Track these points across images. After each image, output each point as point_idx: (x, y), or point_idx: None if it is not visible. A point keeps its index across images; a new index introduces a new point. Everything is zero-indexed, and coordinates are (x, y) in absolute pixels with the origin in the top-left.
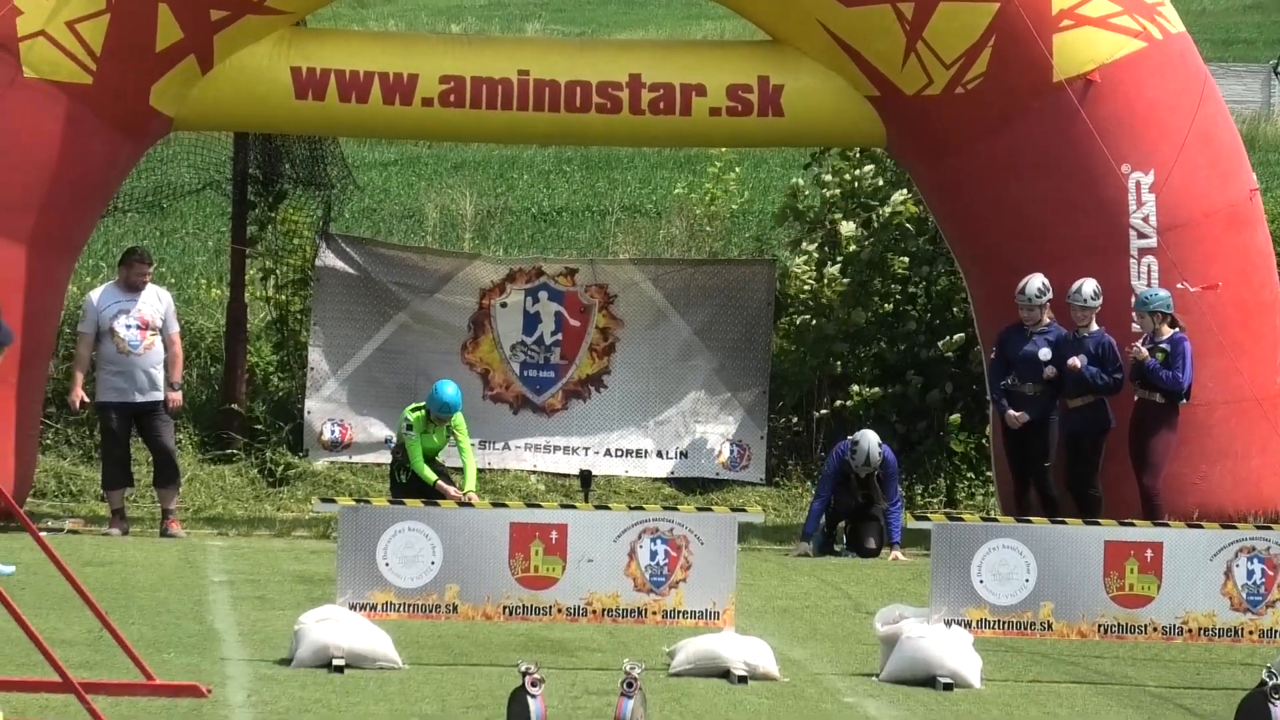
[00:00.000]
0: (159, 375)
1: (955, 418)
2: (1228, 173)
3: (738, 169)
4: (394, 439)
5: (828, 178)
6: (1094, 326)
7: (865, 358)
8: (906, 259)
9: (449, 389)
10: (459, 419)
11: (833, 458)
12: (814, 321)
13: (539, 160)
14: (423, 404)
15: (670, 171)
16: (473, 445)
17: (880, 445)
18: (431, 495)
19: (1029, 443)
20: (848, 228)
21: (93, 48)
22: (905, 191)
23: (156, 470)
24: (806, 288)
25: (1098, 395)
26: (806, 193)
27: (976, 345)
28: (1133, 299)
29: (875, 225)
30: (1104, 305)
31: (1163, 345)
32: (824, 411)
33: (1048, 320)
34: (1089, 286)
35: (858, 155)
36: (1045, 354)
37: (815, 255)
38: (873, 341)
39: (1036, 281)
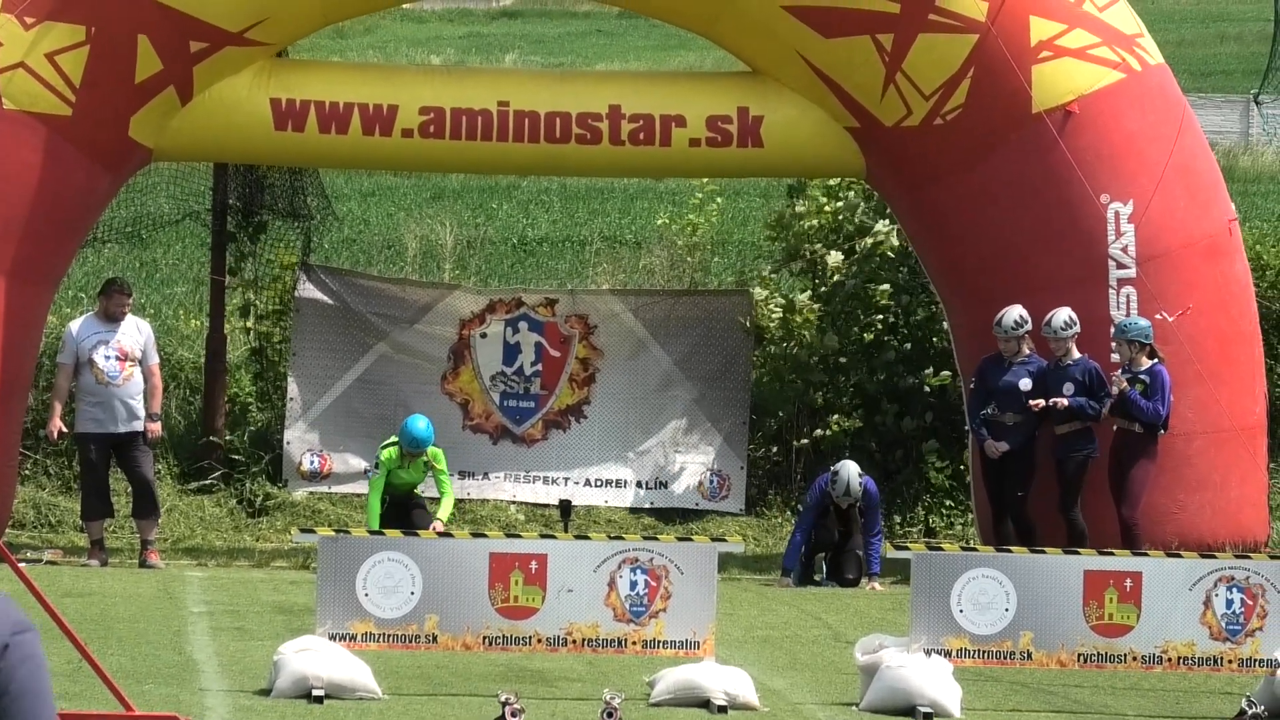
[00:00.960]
0: (138, 406)
1: (930, 443)
2: (1206, 203)
3: (719, 199)
4: (373, 470)
5: (801, 208)
6: (1075, 354)
7: (845, 388)
8: (888, 288)
9: (420, 424)
10: (437, 453)
11: (813, 490)
12: (788, 349)
13: (518, 190)
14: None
15: (650, 202)
16: (452, 477)
17: (861, 476)
18: (408, 524)
19: (1008, 472)
20: (834, 258)
21: (72, 79)
22: (887, 223)
23: (135, 501)
24: (776, 316)
25: (1086, 422)
26: (786, 219)
27: (956, 376)
28: (1111, 328)
29: (857, 254)
30: (1083, 335)
31: (1142, 376)
32: (804, 441)
33: (1027, 351)
34: (1060, 316)
35: (842, 185)
36: (1025, 384)
37: (785, 283)
38: (852, 372)
39: (1013, 314)
